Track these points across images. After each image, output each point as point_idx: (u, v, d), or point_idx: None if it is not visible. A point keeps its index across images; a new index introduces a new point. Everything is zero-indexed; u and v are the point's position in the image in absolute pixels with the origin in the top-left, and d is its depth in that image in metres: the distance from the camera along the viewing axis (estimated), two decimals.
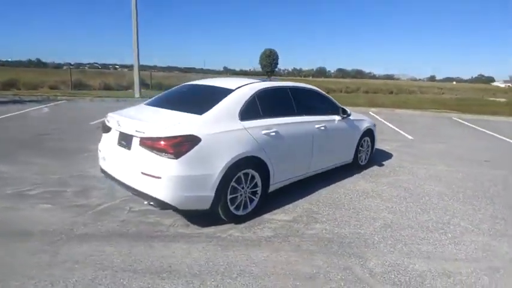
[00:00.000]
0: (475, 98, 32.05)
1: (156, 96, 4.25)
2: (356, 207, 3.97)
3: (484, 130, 10.48)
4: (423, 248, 3.11)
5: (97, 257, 2.75)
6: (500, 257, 3.03)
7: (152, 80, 21.17)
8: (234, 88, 3.67)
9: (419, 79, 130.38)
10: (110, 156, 3.52)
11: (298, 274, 2.63)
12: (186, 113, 3.31)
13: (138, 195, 3.17)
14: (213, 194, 3.12)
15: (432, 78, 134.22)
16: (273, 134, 3.63)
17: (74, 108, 11.97)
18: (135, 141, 3.17)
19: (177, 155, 2.91)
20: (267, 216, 3.64)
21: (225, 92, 3.61)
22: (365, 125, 5.41)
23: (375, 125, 5.77)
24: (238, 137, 3.32)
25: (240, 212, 3.45)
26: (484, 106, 19.16)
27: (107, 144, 3.62)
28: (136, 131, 3.11)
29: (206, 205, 3.15)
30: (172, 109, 3.52)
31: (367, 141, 5.56)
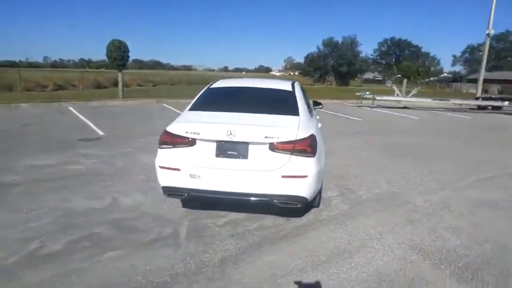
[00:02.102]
0: None
1: (200, 102, 3.87)
2: (357, 176, 5.18)
3: (328, 111, 14.09)
4: (430, 185, 4.81)
5: (282, 267, 2.71)
6: (454, 182, 5.08)
7: None
8: (290, 89, 4.02)
9: (214, 69, 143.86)
10: (210, 171, 3.15)
11: (403, 223, 3.59)
12: (284, 115, 3.46)
13: (269, 199, 3.13)
14: (321, 184, 3.53)
15: (225, 69, 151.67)
16: (320, 126, 4.27)
17: None
18: (257, 149, 3.10)
19: (314, 153, 3.15)
20: None
21: (288, 93, 3.93)
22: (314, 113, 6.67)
23: None
24: (320, 131, 3.79)
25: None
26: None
27: (194, 159, 3.18)
28: (266, 137, 3.05)
29: (315, 194, 3.49)
30: (259, 112, 3.49)
31: None
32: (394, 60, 58.37)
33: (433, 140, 8.67)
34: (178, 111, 12.08)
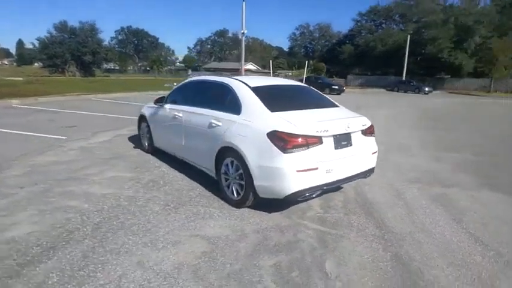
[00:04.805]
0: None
1: (269, 103, 3.68)
2: None
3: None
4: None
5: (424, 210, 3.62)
6: None
7: None
8: (306, 85, 4.62)
9: None
10: (336, 163, 3.45)
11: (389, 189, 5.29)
12: (336, 108, 4.19)
13: (363, 175, 3.85)
14: None
15: None
16: None
17: None
18: (355, 136, 3.68)
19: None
20: None
21: (310, 88, 4.61)
22: None
23: None
24: None
25: None
26: (46, 84, 19.75)
27: (324, 155, 3.36)
28: (363, 125, 3.76)
29: None
30: (326, 107, 4.12)
31: None
32: (133, 49, 58.89)
33: None
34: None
